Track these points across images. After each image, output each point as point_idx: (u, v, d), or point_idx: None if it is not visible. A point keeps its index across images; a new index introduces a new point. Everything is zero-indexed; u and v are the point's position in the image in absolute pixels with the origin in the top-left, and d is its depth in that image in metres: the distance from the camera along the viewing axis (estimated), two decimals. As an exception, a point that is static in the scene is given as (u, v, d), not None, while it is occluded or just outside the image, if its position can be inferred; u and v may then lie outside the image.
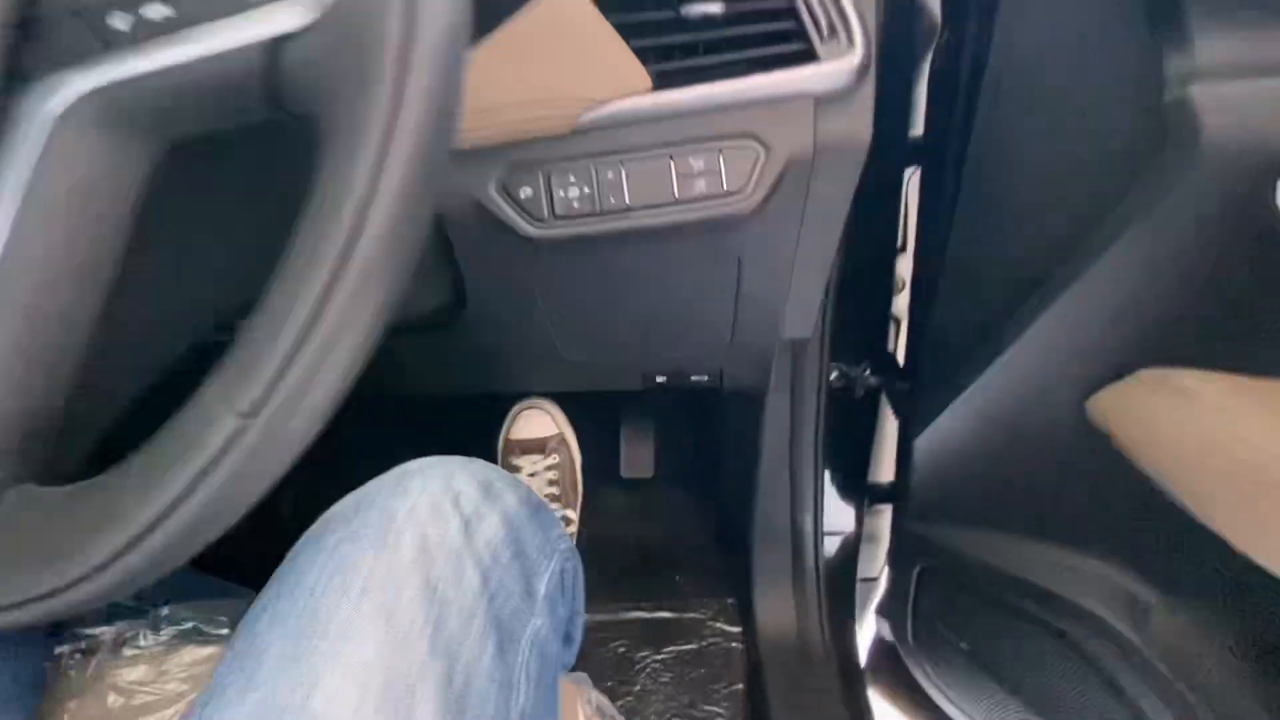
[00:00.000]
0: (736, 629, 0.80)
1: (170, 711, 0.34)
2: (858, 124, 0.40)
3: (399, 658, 0.24)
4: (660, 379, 0.65)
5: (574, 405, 0.90)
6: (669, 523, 0.92)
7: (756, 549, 0.78)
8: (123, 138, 0.18)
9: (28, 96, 0.17)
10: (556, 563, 0.34)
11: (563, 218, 0.39)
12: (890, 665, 0.87)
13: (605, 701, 0.48)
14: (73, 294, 0.19)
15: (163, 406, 0.27)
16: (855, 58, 0.37)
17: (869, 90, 0.39)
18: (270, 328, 0.18)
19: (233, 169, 0.27)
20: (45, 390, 0.20)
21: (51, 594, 0.18)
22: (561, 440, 0.85)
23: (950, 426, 0.53)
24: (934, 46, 0.59)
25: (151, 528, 0.18)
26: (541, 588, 0.32)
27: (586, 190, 0.39)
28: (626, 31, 0.37)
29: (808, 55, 0.38)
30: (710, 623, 0.81)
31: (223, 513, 0.18)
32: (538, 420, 0.86)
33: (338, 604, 0.25)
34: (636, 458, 0.95)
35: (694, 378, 0.65)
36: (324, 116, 0.18)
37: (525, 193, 0.39)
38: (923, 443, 0.55)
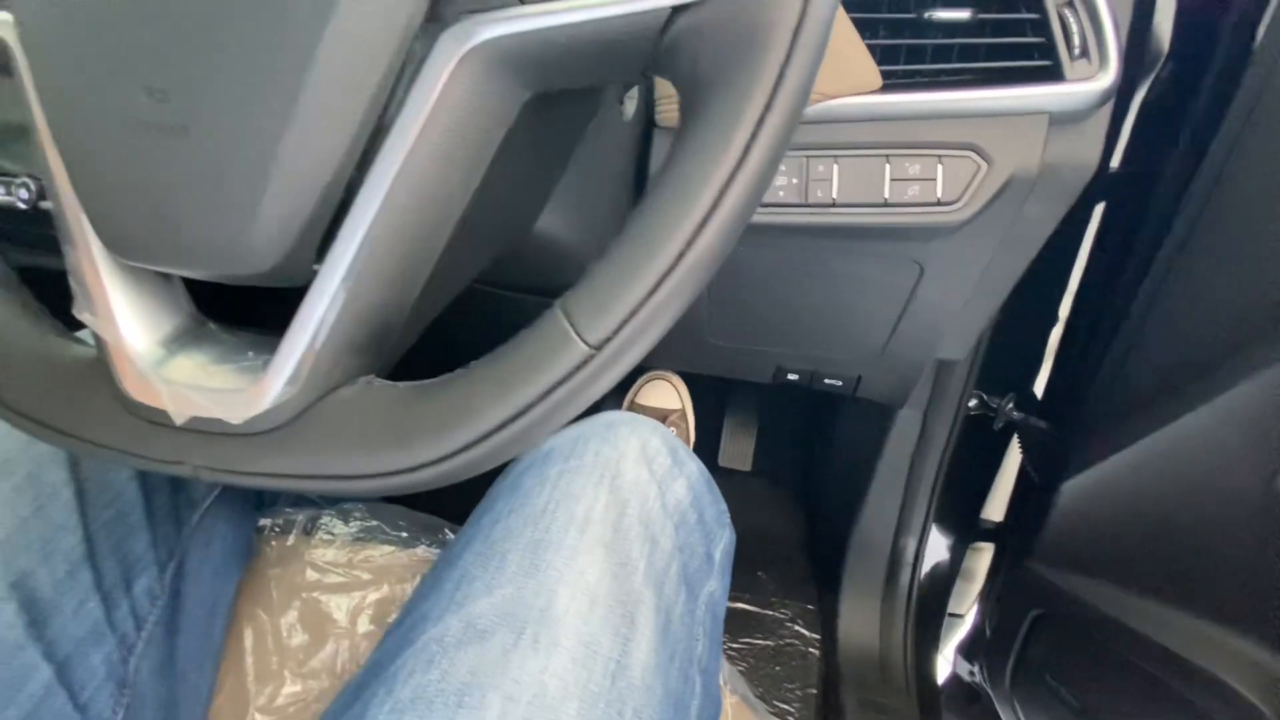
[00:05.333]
0: (815, 635, 0.80)
1: (360, 594, 0.38)
2: (1089, 147, 0.38)
3: (619, 584, 0.27)
4: (792, 376, 0.65)
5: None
6: (759, 519, 0.92)
7: (850, 560, 0.78)
8: (508, 82, 0.21)
9: (442, 38, 0.20)
10: (728, 534, 0.35)
11: (767, 205, 0.40)
12: (965, 705, 0.84)
13: (745, 686, 0.49)
14: (443, 210, 0.22)
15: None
16: (1105, 82, 0.36)
17: (1106, 113, 0.38)
18: (632, 267, 0.19)
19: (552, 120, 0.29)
20: (406, 290, 0.23)
21: (403, 471, 0.21)
22: (682, 415, 0.87)
23: (1110, 475, 0.51)
24: (1154, 77, 0.56)
25: (498, 429, 0.20)
26: (718, 554, 0.33)
27: (795, 181, 0.40)
28: (862, 27, 0.37)
29: (1051, 73, 0.37)
30: (790, 624, 0.81)
31: (545, 427, 0.21)
32: (664, 391, 0.89)
33: (565, 529, 0.27)
34: (736, 449, 0.96)
35: (828, 380, 0.64)
36: (699, 84, 0.20)
37: (735, 175, 0.40)
38: (1072, 487, 0.53)
